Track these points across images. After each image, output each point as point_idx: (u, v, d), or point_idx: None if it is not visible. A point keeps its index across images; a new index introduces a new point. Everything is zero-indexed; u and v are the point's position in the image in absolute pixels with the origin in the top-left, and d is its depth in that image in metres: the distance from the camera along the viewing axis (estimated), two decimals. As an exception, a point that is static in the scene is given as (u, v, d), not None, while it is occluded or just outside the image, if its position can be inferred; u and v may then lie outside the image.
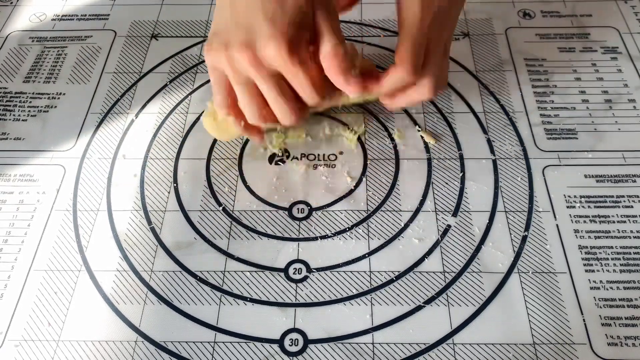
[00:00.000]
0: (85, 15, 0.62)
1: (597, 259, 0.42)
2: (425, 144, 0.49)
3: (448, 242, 0.43)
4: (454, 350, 0.38)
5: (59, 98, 0.54)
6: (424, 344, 0.39)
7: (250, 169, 0.48)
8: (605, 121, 0.50)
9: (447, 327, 0.39)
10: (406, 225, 0.44)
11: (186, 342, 0.39)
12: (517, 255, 0.42)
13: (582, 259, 0.42)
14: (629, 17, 0.59)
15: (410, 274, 0.42)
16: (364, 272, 0.42)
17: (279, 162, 0.49)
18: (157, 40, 0.59)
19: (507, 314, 0.40)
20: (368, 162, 0.48)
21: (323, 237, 0.44)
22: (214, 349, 0.39)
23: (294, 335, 0.39)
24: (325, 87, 0.39)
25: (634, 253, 0.42)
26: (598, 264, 0.42)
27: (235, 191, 0.47)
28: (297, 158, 0.49)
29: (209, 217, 0.45)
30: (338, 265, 0.42)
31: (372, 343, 0.39)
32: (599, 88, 0.53)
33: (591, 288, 0.41)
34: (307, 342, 0.39)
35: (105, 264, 0.43)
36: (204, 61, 0.57)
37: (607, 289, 0.41)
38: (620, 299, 0.40)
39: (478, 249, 0.43)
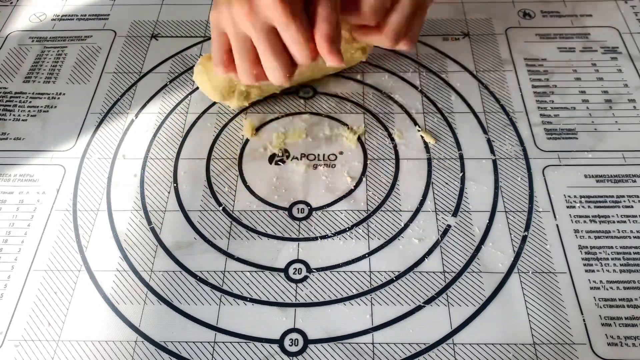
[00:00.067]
0: (85, 15, 0.62)
1: (597, 259, 0.42)
2: (425, 144, 0.49)
3: (448, 242, 0.43)
4: (454, 350, 0.38)
5: (59, 98, 0.54)
6: (424, 344, 0.39)
7: (250, 169, 0.48)
8: (605, 121, 0.50)
9: (447, 327, 0.39)
10: (406, 225, 0.44)
11: (186, 342, 0.39)
12: (517, 255, 0.42)
13: (582, 259, 0.42)
14: (629, 17, 0.59)
15: (410, 274, 0.42)
16: (364, 272, 0.42)
17: (279, 162, 0.49)
18: (157, 40, 0.59)
19: (507, 314, 0.40)
20: (368, 162, 0.48)
21: (323, 237, 0.44)
22: (214, 349, 0.39)
23: (294, 335, 0.39)
24: (316, 50, 0.40)
25: (634, 253, 0.42)
26: (598, 264, 0.42)
27: (235, 191, 0.47)
28: (297, 158, 0.49)
29: (209, 217, 0.45)
30: (338, 265, 0.42)
31: (372, 343, 0.39)
32: (599, 88, 0.53)
33: (591, 288, 0.41)
34: (307, 342, 0.39)
35: (105, 264, 0.43)
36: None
37: (607, 289, 0.41)
38: (620, 299, 0.40)
39: (478, 249, 0.43)
